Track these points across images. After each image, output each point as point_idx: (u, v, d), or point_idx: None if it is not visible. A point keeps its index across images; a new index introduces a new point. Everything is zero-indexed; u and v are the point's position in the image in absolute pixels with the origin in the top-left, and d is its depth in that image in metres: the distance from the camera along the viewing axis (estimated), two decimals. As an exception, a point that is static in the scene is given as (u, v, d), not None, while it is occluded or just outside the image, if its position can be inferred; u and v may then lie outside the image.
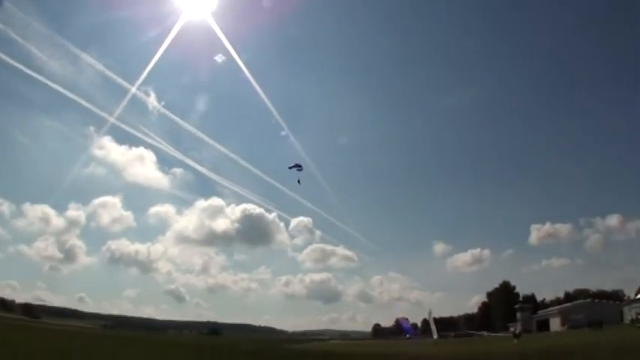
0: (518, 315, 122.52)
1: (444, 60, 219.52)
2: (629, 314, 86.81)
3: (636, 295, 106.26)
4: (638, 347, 25.15)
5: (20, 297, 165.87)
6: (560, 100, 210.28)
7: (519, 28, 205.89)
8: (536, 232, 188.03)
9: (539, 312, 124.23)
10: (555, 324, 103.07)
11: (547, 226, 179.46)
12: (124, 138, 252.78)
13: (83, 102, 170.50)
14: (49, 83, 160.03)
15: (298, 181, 38.30)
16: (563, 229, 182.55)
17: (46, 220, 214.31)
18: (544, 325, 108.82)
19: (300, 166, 36.96)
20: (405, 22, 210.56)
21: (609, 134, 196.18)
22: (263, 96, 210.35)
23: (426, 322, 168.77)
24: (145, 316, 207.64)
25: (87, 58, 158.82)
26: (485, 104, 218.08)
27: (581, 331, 67.78)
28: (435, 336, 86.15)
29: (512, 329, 75.12)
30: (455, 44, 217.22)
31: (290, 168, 36.79)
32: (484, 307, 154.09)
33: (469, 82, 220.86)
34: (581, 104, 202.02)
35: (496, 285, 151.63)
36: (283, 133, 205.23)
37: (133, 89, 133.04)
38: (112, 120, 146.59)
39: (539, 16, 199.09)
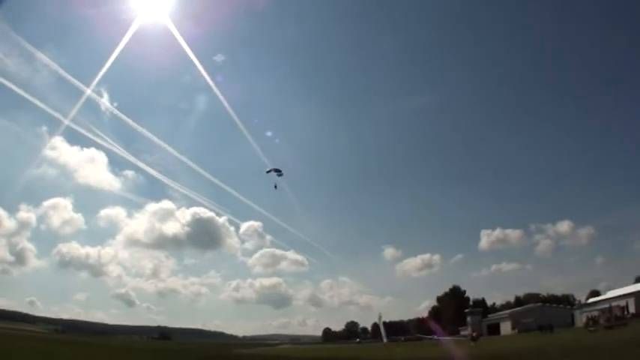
0: (469, 319, 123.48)
1: (396, 67, 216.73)
2: (580, 318, 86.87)
3: (587, 299, 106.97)
4: (591, 348, 25.38)
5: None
6: (513, 107, 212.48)
7: (467, 36, 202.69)
8: (487, 238, 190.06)
9: (490, 316, 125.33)
10: (506, 328, 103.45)
11: (497, 232, 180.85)
12: (76, 139, 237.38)
13: (36, 101, 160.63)
14: (2, 81, 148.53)
15: (275, 186, 38.24)
16: (514, 234, 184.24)
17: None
18: (494, 328, 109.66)
19: (279, 170, 37.16)
20: (361, 26, 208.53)
21: (561, 142, 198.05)
22: (217, 99, 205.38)
23: (376, 326, 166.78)
24: (95, 320, 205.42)
25: (41, 56, 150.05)
26: (438, 111, 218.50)
27: (532, 335, 68.65)
28: (385, 340, 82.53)
29: (471, 333, 74.95)
30: (407, 52, 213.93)
31: (268, 172, 36.92)
32: (434, 312, 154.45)
33: (422, 88, 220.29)
34: (534, 111, 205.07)
35: (446, 289, 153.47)
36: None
37: (89, 91, 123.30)
38: (65, 121, 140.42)
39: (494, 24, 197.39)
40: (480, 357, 28.71)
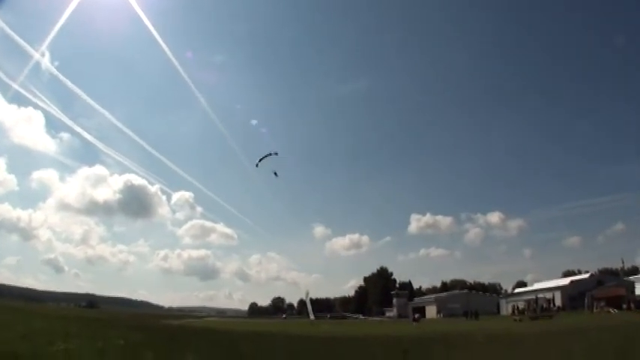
0: (395, 300, 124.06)
1: (340, 50, 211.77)
2: (506, 307, 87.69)
3: (514, 289, 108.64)
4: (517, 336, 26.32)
5: None
6: (451, 96, 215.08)
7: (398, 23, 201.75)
8: (416, 222, 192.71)
9: (416, 299, 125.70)
10: (431, 311, 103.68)
11: (427, 217, 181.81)
12: (14, 97, 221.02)
13: None
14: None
15: (275, 173, 37.51)
16: (444, 221, 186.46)
17: None
18: (420, 311, 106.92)
19: (275, 154, 36.75)
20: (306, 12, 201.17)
21: (497, 135, 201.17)
22: (157, 67, 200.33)
23: (302, 302, 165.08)
24: (25, 285, 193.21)
25: None
26: (375, 95, 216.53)
27: (458, 320, 68.54)
28: (312, 317, 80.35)
29: (412, 315, 73.31)
30: (348, 39, 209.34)
31: (260, 160, 36.61)
32: (360, 291, 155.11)
33: (361, 72, 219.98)
34: (472, 100, 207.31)
35: (373, 270, 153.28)
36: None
37: (37, 54, 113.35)
38: (3, 77, 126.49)
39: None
40: (427, 336, 28.23)
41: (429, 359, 16.50)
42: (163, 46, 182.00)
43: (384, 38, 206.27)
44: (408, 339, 25.13)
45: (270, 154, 36.54)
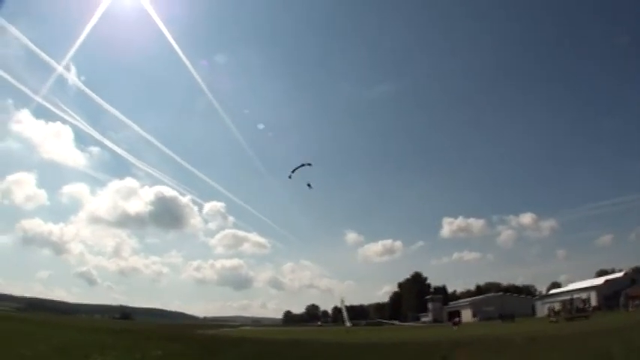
0: (430, 305, 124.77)
1: (367, 53, 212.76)
2: (541, 309, 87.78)
3: (548, 291, 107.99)
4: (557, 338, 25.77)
5: None
6: (479, 96, 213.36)
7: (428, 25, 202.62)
8: (449, 226, 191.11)
9: (450, 303, 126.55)
10: (466, 315, 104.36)
11: (459, 220, 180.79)
12: (42, 113, 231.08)
13: (3, 74, 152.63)
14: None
15: (308, 185, 36.23)
16: (476, 224, 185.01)
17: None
18: (455, 316, 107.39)
19: (308, 164, 35.34)
20: (329, 13, 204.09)
21: (528, 136, 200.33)
22: (185, 77, 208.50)
23: (336, 309, 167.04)
24: (57, 298, 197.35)
25: (11, 29, 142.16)
26: (404, 97, 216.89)
27: (495, 323, 68.21)
28: (348, 323, 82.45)
29: (453, 319, 74.84)
30: (376, 42, 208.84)
31: (293, 171, 35.41)
32: (395, 297, 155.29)
33: (389, 75, 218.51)
34: (501, 100, 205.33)
35: (406, 276, 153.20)
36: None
37: (60, 67, 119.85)
38: (29, 93, 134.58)
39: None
40: (464, 340, 28.13)
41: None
42: (183, 57, 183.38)
43: (410, 39, 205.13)
44: (449, 342, 25.47)
45: (304, 165, 35.42)
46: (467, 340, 28.58)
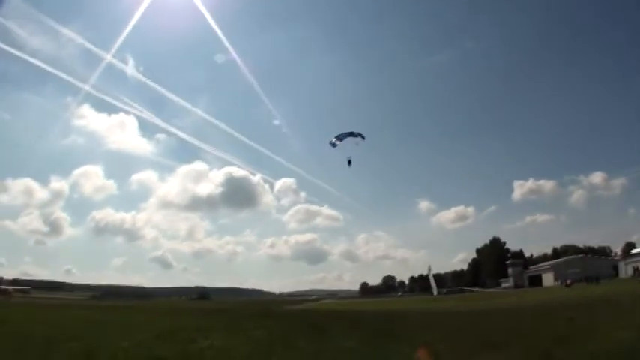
0: (510, 270, 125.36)
1: (429, 19, 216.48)
2: (625, 269, 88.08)
3: (623, 251, 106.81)
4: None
5: (8, 273, 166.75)
6: (544, 58, 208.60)
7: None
8: (519, 189, 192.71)
9: (531, 267, 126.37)
10: (548, 279, 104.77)
11: (530, 183, 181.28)
12: (103, 106, 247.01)
13: (61, 73, 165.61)
14: (27, 57, 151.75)
15: (349, 162, 31.63)
16: (547, 185, 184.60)
17: (29, 193, 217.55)
18: (536, 280, 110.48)
19: (360, 136, 30.74)
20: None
21: (594, 93, 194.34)
22: (240, 60, 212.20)
23: (413, 279, 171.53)
24: (133, 284, 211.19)
25: (65, 31, 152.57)
26: (470, 62, 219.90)
27: (582, 286, 66.39)
28: (435, 292, 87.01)
29: (565, 280, 75.36)
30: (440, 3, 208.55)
31: (341, 140, 30.51)
32: (474, 264, 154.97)
33: (453, 41, 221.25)
34: (567, 61, 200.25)
35: (480, 242, 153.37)
36: (276, 122, 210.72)
37: (109, 57, 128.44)
38: (88, 88, 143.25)
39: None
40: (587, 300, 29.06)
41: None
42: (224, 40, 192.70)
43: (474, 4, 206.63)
44: (569, 305, 25.33)
45: (354, 135, 30.45)
46: (585, 301, 28.47)
